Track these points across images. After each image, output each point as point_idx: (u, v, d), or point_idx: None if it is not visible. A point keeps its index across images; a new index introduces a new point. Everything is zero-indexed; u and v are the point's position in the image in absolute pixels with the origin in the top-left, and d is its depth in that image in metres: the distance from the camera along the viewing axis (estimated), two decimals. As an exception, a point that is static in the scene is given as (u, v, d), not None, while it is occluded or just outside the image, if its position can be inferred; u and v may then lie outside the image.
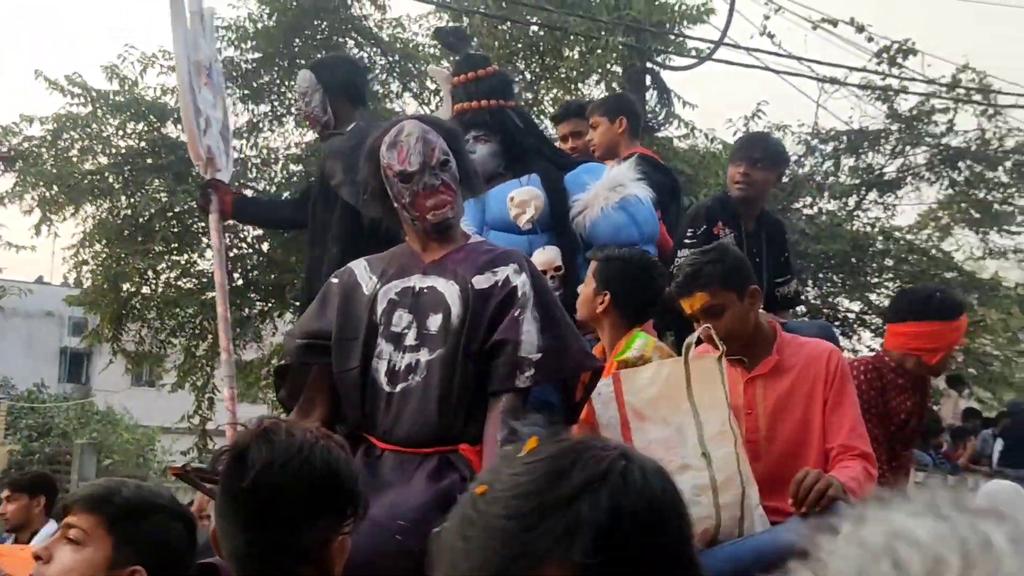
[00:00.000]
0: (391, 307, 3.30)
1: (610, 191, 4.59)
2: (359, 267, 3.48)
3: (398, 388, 3.23)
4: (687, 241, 4.88)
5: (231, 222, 6.87)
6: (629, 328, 4.09)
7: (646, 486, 1.18)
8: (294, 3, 12.34)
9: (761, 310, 3.81)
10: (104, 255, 12.30)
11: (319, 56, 7.94)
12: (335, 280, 3.49)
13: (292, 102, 12.20)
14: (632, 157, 4.99)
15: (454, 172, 3.36)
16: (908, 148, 14.76)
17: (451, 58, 5.16)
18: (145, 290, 12.74)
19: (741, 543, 3.21)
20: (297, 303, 11.12)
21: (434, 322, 3.23)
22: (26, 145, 11.85)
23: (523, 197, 4.48)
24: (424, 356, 3.22)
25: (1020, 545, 0.49)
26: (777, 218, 5.57)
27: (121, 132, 12.17)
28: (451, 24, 12.25)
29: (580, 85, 13.05)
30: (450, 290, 3.25)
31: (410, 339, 3.24)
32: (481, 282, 3.25)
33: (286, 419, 2.60)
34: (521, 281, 3.24)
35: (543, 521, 1.13)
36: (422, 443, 3.18)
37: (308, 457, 2.13)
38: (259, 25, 12.52)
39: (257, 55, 12.60)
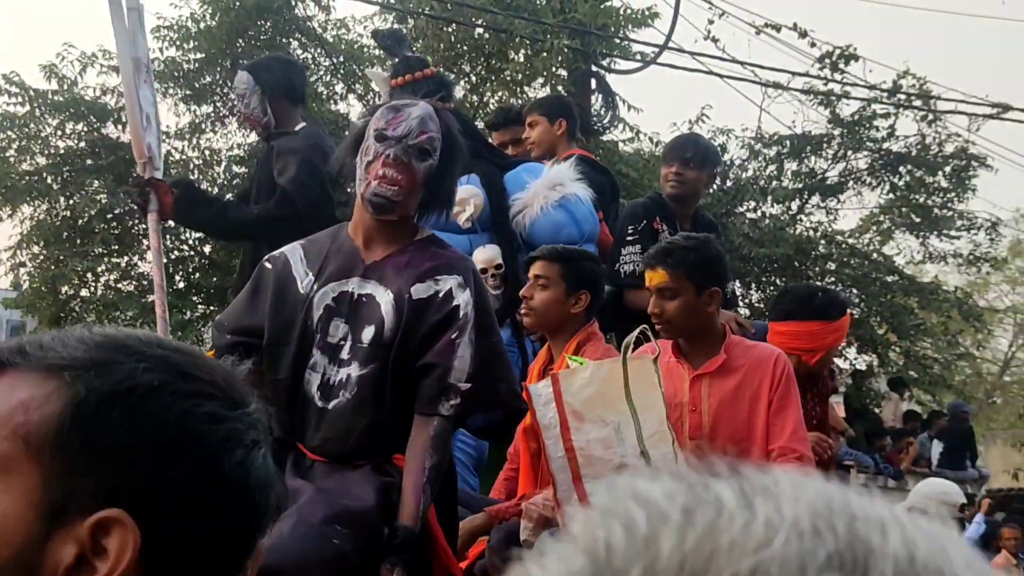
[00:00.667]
0: (328, 315, 3.15)
1: (550, 190, 4.59)
2: (295, 256, 3.28)
3: (331, 404, 3.10)
4: (629, 238, 4.91)
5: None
6: (587, 324, 4.04)
7: (205, 431, 1.04)
8: (237, 3, 12.24)
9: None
10: (42, 257, 12.14)
11: (256, 57, 7.86)
12: (268, 266, 3.31)
13: (235, 103, 12.11)
14: (571, 157, 4.99)
15: (427, 169, 3.13)
16: (850, 153, 14.92)
17: (392, 60, 5.12)
18: (84, 293, 12.59)
19: None
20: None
21: (367, 334, 3.10)
22: (-39, 145, 11.70)
23: (462, 195, 4.44)
24: (355, 371, 3.09)
25: (747, 499, 0.51)
26: (711, 220, 5.62)
27: (60, 132, 12.03)
28: (392, 26, 12.21)
29: (525, 88, 13.04)
30: (385, 299, 3.11)
31: (345, 352, 3.11)
32: (420, 291, 3.10)
33: None
34: (464, 300, 3.09)
35: (92, 352, 1.04)
36: (354, 458, 3.08)
37: None
38: (201, 25, 12.41)
39: (199, 55, 12.49)
